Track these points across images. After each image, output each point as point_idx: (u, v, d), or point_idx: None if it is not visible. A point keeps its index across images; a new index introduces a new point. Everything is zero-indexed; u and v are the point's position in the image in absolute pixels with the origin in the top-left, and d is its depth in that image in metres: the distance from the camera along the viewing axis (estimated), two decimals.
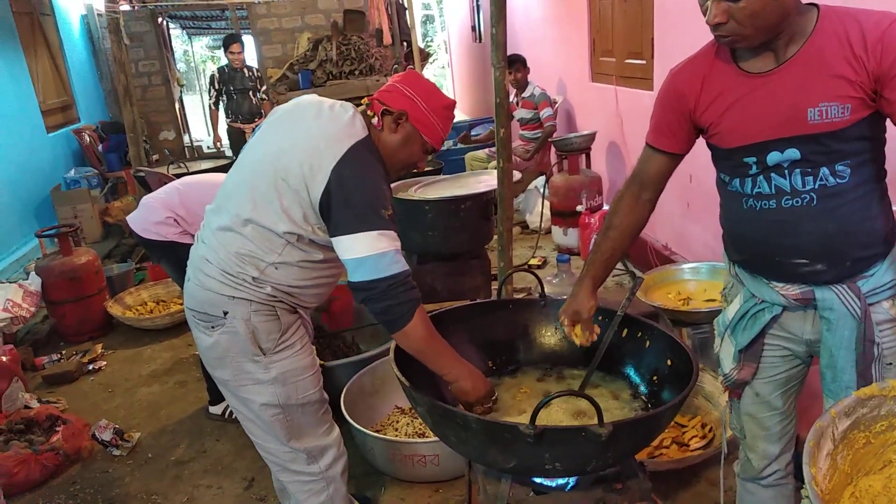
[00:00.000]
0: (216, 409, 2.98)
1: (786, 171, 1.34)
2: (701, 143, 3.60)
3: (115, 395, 3.32)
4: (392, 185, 3.46)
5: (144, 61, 8.15)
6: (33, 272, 3.98)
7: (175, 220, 2.79)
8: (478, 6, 8.52)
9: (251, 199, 1.64)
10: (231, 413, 2.94)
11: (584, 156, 4.57)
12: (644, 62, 3.82)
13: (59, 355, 3.72)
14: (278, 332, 1.72)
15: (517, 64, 5.15)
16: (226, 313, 1.67)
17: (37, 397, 3.21)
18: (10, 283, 3.93)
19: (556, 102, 5.26)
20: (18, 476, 2.60)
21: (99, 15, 8.40)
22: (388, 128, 1.70)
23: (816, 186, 1.32)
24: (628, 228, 1.63)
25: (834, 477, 1.04)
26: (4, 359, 3.15)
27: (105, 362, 3.66)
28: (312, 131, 1.64)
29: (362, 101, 1.76)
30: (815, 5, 1.29)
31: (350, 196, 1.56)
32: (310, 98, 1.77)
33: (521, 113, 5.34)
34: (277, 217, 1.62)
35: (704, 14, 1.29)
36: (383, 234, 1.55)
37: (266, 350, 1.70)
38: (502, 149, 2.61)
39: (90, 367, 3.60)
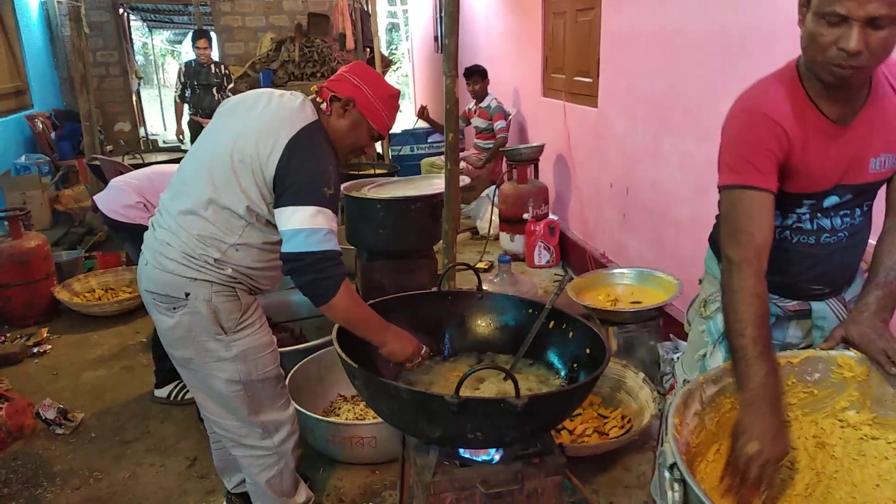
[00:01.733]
0: (161, 392, 3.04)
1: (830, 213, 1.40)
2: (627, 156, 3.83)
3: (60, 378, 3.34)
4: (346, 185, 3.62)
5: (103, 51, 8.07)
6: None
7: (145, 205, 2.88)
8: (441, 18, 8.73)
9: (210, 181, 1.74)
10: (177, 395, 3.01)
11: (532, 166, 4.78)
12: (591, 80, 4.05)
13: (3, 338, 3.71)
14: (239, 311, 1.80)
15: (476, 75, 5.36)
16: (187, 294, 1.74)
17: None
18: None
19: (510, 115, 5.48)
20: None
21: (59, 2, 8.28)
22: (336, 113, 1.82)
23: (848, 224, 1.42)
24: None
25: (701, 434, 1.22)
26: None
27: (50, 346, 3.66)
28: (265, 115, 1.76)
29: (311, 89, 1.89)
30: None
31: (296, 172, 1.67)
32: (260, 90, 1.91)
33: (476, 121, 5.54)
34: (237, 197, 1.71)
35: (817, 46, 1.20)
36: (321, 211, 1.65)
37: (227, 329, 1.78)
38: (450, 152, 2.77)
39: (35, 350, 3.60)
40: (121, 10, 8.35)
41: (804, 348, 1.49)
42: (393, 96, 1.90)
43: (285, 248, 1.66)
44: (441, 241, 3.17)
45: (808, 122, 1.30)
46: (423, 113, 5.66)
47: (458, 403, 1.40)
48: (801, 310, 1.51)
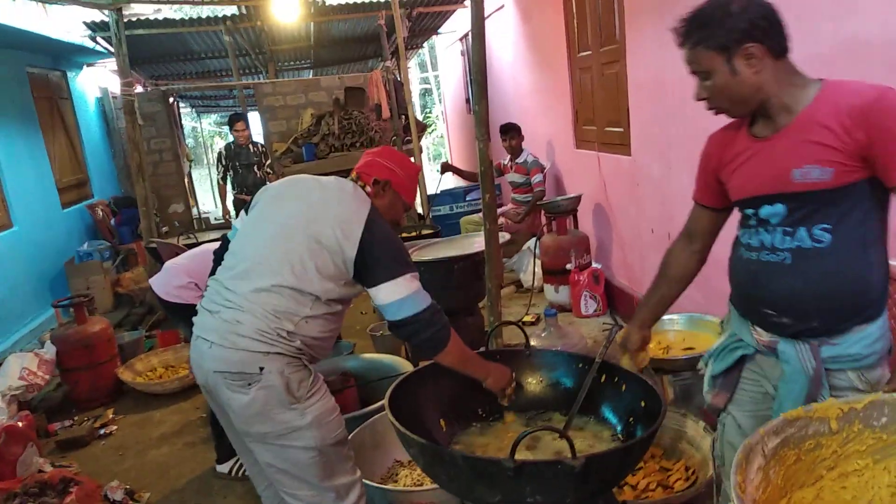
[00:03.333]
0: (223, 468, 3.09)
1: (770, 228, 1.50)
2: (665, 200, 3.85)
3: (126, 458, 3.44)
4: None
5: (156, 139, 8.55)
6: (48, 341, 4.15)
7: (196, 285, 3.01)
8: (471, 80, 8.98)
9: (287, 262, 1.87)
10: (238, 471, 3.05)
11: (571, 217, 4.80)
12: (622, 130, 4.10)
13: (71, 421, 3.85)
14: (308, 379, 1.91)
15: (512, 132, 5.49)
16: (262, 369, 1.82)
17: (50, 462, 3.32)
18: (26, 352, 4.09)
19: (545, 168, 5.55)
20: None
21: (114, 97, 8.89)
22: (378, 195, 2.05)
23: (793, 247, 1.46)
24: (676, 277, 1.83)
25: (767, 489, 1.19)
26: (20, 424, 3.29)
27: (116, 426, 3.78)
28: (331, 202, 1.96)
29: (350, 176, 2.09)
30: (821, 80, 1.44)
31: (382, 251, 1.88)
32: (303, 175, 2.14)
33: (512, 177, 5.63)
34: (314, 276, 1.87)
35: None
36: (414, 275, 1.88)
37: (300, 397, 1.88)
38: (488, 211, 2.83)
39: (101, 431, 3.72)
40: (171, 99, 8.88)
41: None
42: (417, 171, 2.19)
43: (398, 316, 1.85)
44: (486, 298, 3.20)
45: (737, 141, 1.56)
46: (445, 168, 6.19)
47: (514, 467, 1.39)
48: (771, 346, 1.55)
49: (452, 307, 3.46)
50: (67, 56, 7.61)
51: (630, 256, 4.35)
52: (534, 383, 2.07)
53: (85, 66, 8.34)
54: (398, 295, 1.83)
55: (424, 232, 5.43)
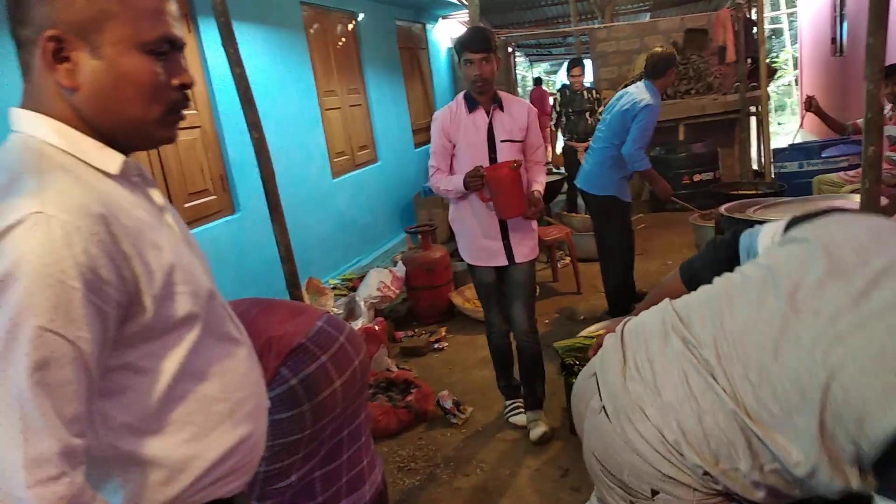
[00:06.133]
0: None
1: None
2: None
3: (454, 372, 3.85)
4: (728, 206, 3.35)
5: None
6: (399, 261, 4.82)
7: None
8: (841, 16, 7.59)
9: (749, 382, 1.08)
10: (508, 413, 3.15)
11: None
12: None
13: (412, 332, 4.45)
14: None
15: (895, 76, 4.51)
16: (654, 494, 1.19)
17: (395, 364, 3.90)
18: (382, 268, 4.82)
19: None
20: (381, 423, 3.19)
21: None
22: None
23: None
24: None
25: None
26: (377, 328, 3.91)
27: (447, 343, 4.25)
28: None
29: None
30: None
31: None
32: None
33: (890, 130, 4.63)
34: (802, 444, 1.02)
35: None
36: None
37: None
38: (868, 168, 2.36)
39: (435, 345, 4.22)
40: (509, 49, 9.35)
41: None
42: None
43: None
44: None
45: None
46: (811, 104, 4.44)
47: None
48: None
49: None
50: (427, 9, 8.48)
51: None
52: None
53: (440, 19, 9.22)
54: None
55: (769, 191, 4.86)
